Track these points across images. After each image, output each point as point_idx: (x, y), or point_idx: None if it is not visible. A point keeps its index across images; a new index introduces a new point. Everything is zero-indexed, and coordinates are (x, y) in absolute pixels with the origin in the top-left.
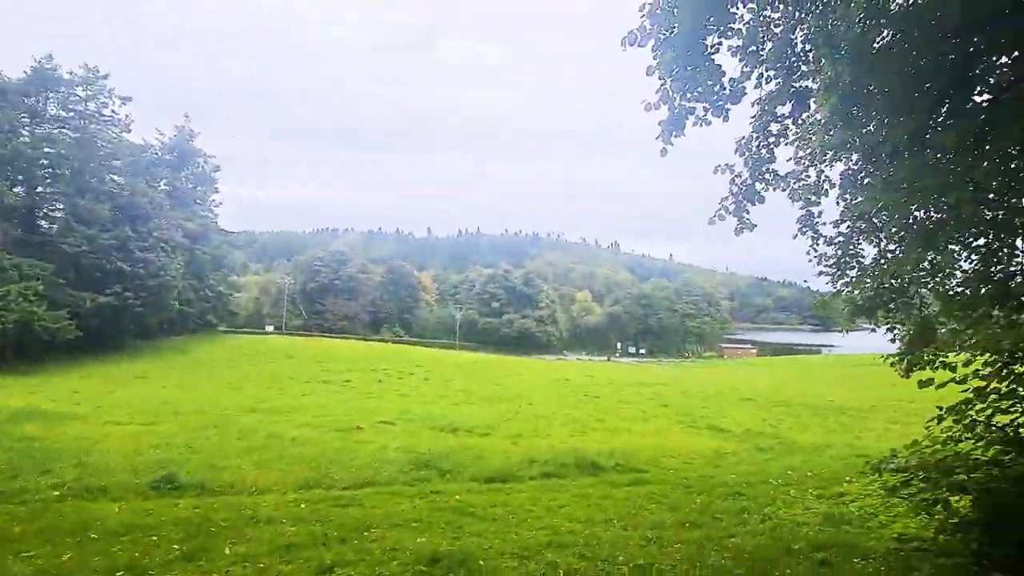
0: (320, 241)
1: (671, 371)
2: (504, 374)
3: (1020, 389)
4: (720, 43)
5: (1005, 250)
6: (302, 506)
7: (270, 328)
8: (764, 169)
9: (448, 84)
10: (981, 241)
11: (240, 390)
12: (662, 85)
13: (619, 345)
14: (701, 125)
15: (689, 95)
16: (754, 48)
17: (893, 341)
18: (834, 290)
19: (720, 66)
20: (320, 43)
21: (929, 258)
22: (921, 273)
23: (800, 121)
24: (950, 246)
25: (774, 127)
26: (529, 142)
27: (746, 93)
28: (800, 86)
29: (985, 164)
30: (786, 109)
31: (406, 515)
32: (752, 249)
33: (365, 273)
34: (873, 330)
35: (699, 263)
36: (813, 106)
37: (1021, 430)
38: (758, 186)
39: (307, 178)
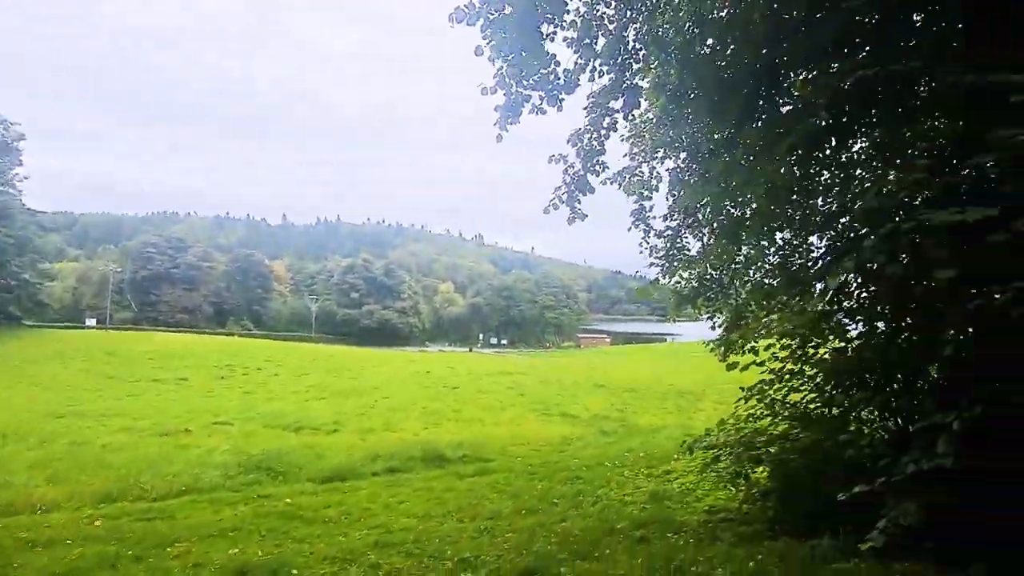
0: (155, 225)
1: (530, 361)
2: (362, 367)
3: (807, 369)
4: (555, 32)
5: (804, 246)
6: (97, 523)
7: (92, 322)
8: (595, 161)
9: (302, 69)
10: (782, 237)
11: (47, 392)
12: (499, 70)
13: (481, 336)
14: (537, 113)
15: (525, 82)
16: (588, 41)
17: (713, 328)
18: (656, 279)
19: (554, 55)
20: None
21: (744, 251)
22: (736, 265)
23: (632, 117)
24: (762, 241)
25: (606, 120)
26: (397, 131)
27: (579, 84)
28: (632, 83)
29: (777, 165)
30: (618, 104)
31: (224, 524)
32: (607, 243)
33: (209, 261)
34: (698, 318)
35: (559, 256)
36: (645, 104)
37: (809, 406)
38: (590, 177)
39: (140, 155)
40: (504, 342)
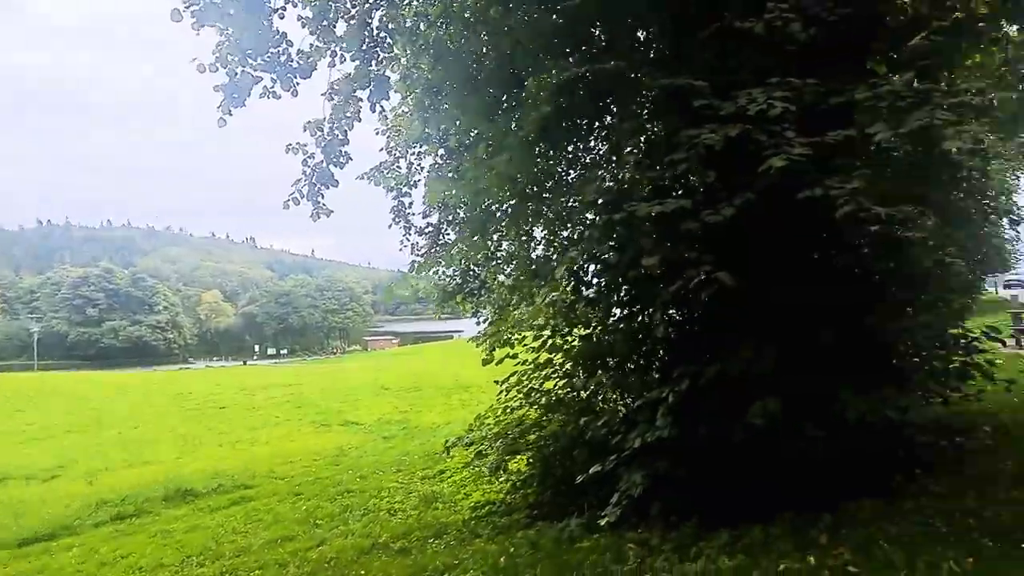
0: None
1: (312, 369)
2: (104, 395)
3: (555, 358)
4: (285, 8)
5: (556, 241)
6: None
7: None
8: (339, 152)
9: (40, 46)
10: (526, 232)
11: None
12: (218, 45)
13: (257, 347)
14: (269, 97)
15: (251, 61)
16: (326, 23)
17: (478, 324)
18: (403, 277)
19: (285, 34)
20: None
21: (504, 247)
22: (498, 261)
23: (381, 109)
24: (515, 237)
25: (349, 109)
26: (143, 119)
27: (316, 69)
28: (379, 73)
29: (511, 159)
30: (365, 94)
31: None
32: (390, 243)
33: None
34: (464, 315)
35: (342, 258)
36: (399, 97)
37: (559, 392)
38: (334, 170)
39: None
40: (284, 351)
